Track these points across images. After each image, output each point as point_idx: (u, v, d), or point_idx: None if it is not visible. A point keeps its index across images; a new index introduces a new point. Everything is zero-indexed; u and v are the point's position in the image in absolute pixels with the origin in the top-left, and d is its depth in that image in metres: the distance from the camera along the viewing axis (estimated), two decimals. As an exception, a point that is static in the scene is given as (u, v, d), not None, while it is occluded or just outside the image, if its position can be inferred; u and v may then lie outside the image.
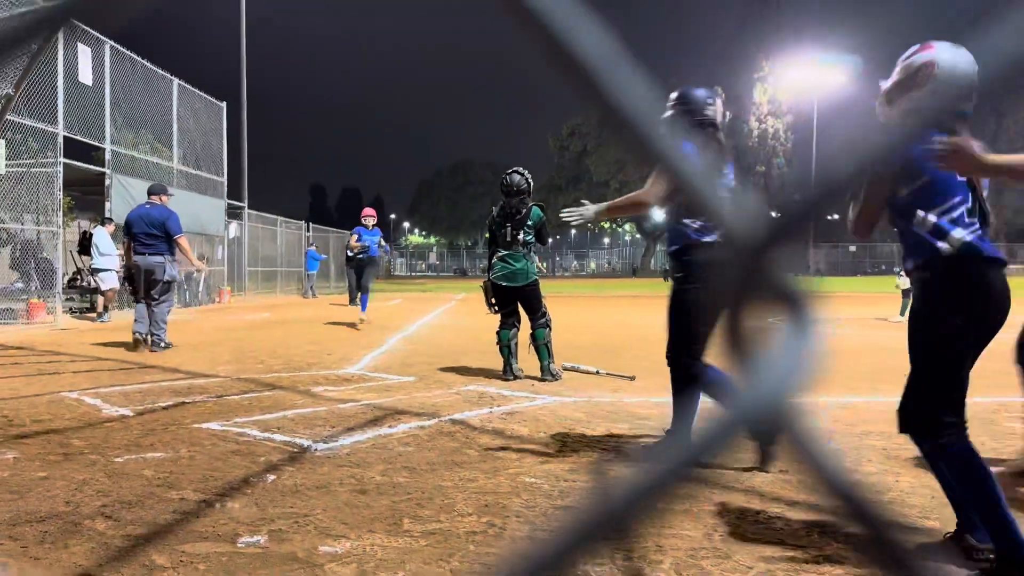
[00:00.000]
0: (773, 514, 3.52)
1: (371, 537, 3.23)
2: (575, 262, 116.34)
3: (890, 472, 4.16)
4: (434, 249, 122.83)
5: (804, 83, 55.88)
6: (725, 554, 3.04)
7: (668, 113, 4.68)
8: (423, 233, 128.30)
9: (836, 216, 3.83)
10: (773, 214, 0.34)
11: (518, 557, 0.38)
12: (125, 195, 17.40)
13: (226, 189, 25.84)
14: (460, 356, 9.65)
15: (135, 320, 10.51)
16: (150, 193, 11.00)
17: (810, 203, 0.34)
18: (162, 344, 10.40)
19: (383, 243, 15.35)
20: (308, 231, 37.82)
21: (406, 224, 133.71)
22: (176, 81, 21.59)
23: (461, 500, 3.75)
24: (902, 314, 16.08)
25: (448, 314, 19.56)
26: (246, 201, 29.70)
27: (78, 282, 17.50)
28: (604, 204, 4.78)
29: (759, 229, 0.32)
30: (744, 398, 0.31)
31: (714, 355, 4.50)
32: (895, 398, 3.04)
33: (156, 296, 10.47)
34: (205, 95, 23.87)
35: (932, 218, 2.87)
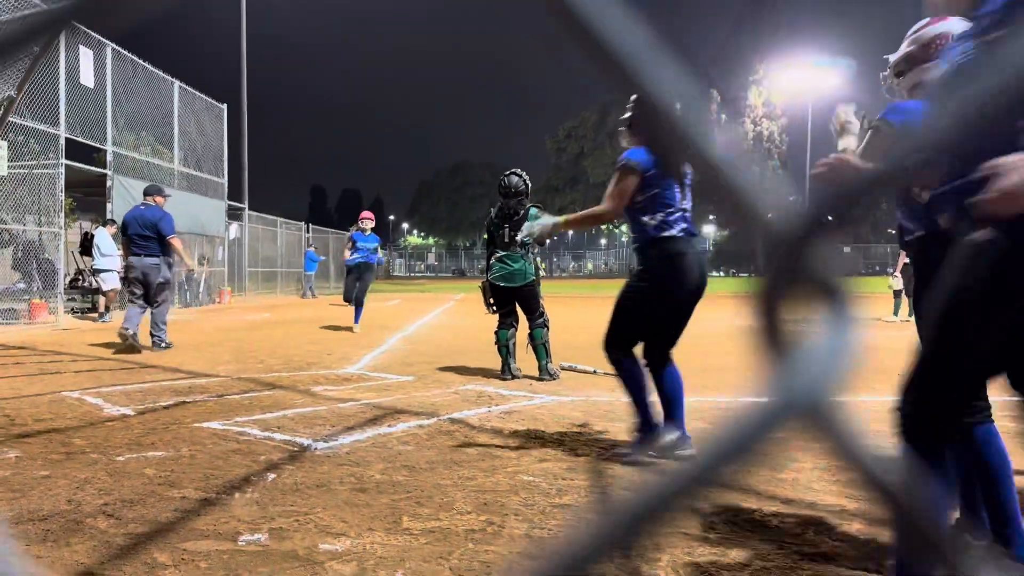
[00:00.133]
0: (768, 512, 3.52)
1: (371, 535, 3.22)
2: (572, 263, 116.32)
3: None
4: (433, 250, 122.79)
5: (799, 86, 56.01)
6: (722, 552, 3.04)
7: (626, 115, 4.70)
8: (422, 234, 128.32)
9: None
10: (810, 205, 0.33)
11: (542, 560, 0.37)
12: (126, 196, 17.38)
13: (227, 190, 25.85)
14: (459, 356, 9.65)
15: (124, 319, 10.36)
16: (145, 194, 10.95)
17: (850, 195, 0.33)
18: (162, 344, 10.35)
19: (378, 252, 14.08)
20: (308, 232, 37.83)
21: (405, 225, 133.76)
22: (177, 83, 21.59)
23: (460, 498, 3.75)
24: (895, 314, 16.10)
25: (447, 314, 19.56)
26: (246, 202, 29.72)
27: (80, 283, 17.49)
28: (561, 218, 4.78)
29: (797, 220, 0.31)
30: (781, 395, 0.30)
31: (648, 349, 4.56)
32: (888, 397, 3.04)
33: (154, 299, 10.41)
34: (206, 97, 23.88)
35: (926, 194, 2.82)
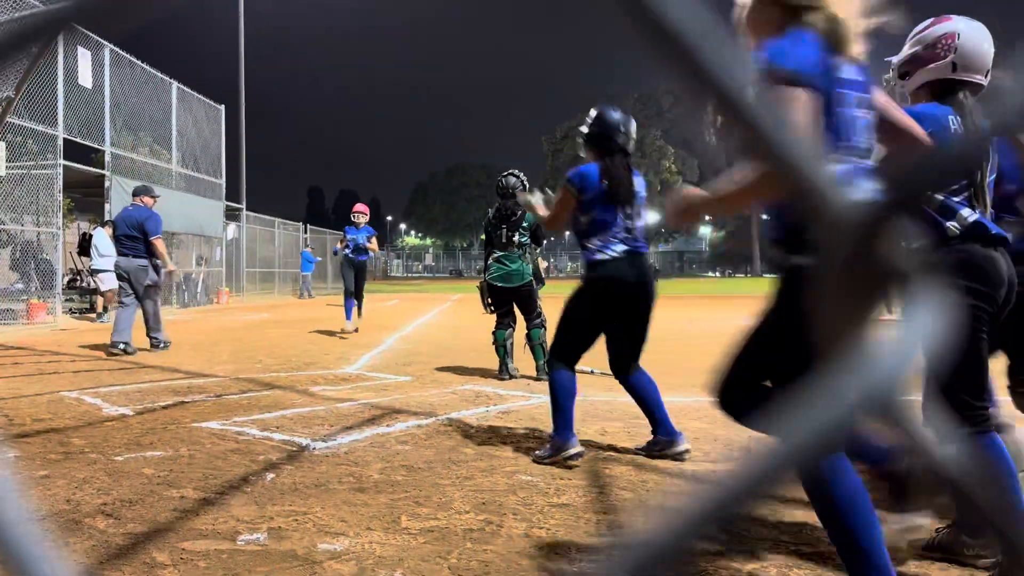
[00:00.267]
0: (766, 511, 3.52)
1: (369, 535, 3.22)
2: (570, 263, 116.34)
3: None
4: (430, 250, 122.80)
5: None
6: (719, 551, 3.04)
7: (584, 129, 4.72)
8: (419, 235, 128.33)
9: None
10: (879, 192, 0.32)
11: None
12: (125, 197, 17.33)
13: (224, 191, 25.83)
14: (456, 356, 9.65)
15: (114, 330, 10.07)
16: (134, 194, 10.83)
17: (920, 181, 0.32)
18: (160, 344, 10.29)
19: (370, 244, 12.81)
20: (305, 233, 37.84)
21: (402, 226, 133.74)
22: (175, 84, 21.57)
23: (458, 498, 3.75)
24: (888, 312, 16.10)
25: (444, 314, 19.56)
26: (244, 203, 29.71)
27: (78, 283, 17.49)
28: (539, 206, 4.87)
29: (868, 208, 0.30)
30: (851, 390, 0.29)
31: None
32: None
33: (142, 303, 10.28)
34: (204, 98, 23.87)
35: (939, 197, 2.79)
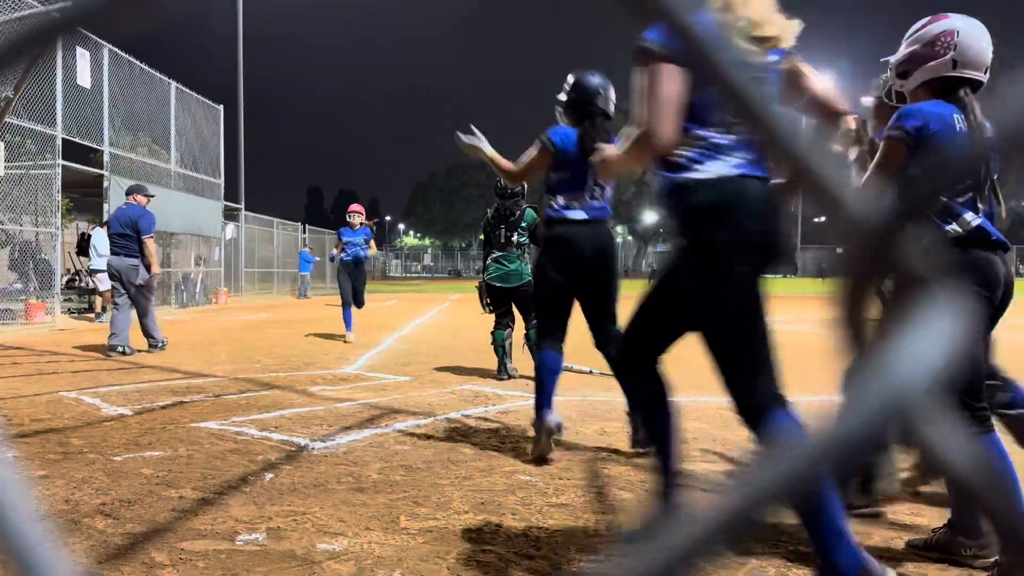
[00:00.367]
0: (769, 521, 3.52)
1: (368, 535, 3.22)
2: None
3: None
4: (429, 251, 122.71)
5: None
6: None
7: (562, 96, 4.73)
8: (418, 235, 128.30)
9: (824, 218, 3.82)
10: (901, 195, 0.31)
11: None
12: (123, 197, 17.35)
13: (223, 191, 25.81)
14: (455, 356, 9.65)
15: (111, 333, 10.00)
16: (127, 193, 10.73)
17: (937, 181, 0.31)
18: (158, 344, 10.24)
19: (369, 246, 12.10)
20: (304, 233, 37.83)
21: (401, 226, 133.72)
22: (174, 84, 21.56)
23: (457, 498, 3.75)
24: None
25: (443, 314, 19.56)
26: (243, 203, 29.70)
27: (76, 283, 17.48)
28: (489, 152, 4.79)
29: (887, 210, 0.29)
30: (872, 394, 0.28)
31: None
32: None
33: (135, 303, 10.18)
34: (202, 98, 23.85)
35: (942, 198, 2.82)
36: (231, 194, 27.73)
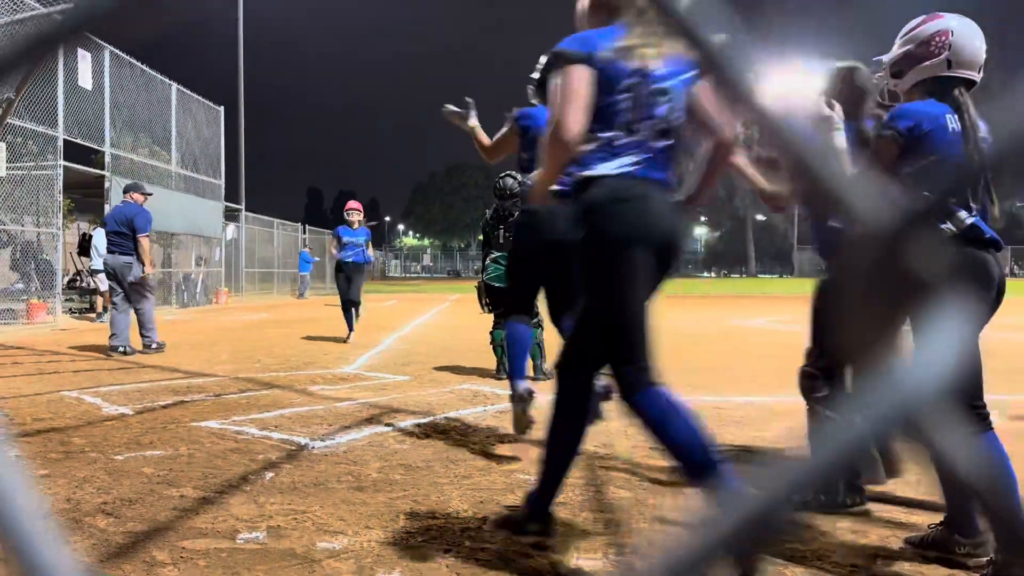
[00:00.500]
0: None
1: (368, 533, 3.22)
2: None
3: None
4: (428, 251, 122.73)
5: (787, 88, 56.15)
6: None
7: (535, 76, 4.75)
8: (417, 236, 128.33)
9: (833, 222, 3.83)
10: (910, 199, 0.30)
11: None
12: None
13: (224, 192, 25.82)
14: (454, 356, 9.65)
15: (111, 333, 9.95)
16: (124, 191, 10.62)
17: (947, 187, 0.31)
18: (153, 346, 10.11)
19: (370, 249, 11.66)
20: (304, 233, 37.84)
21: (401, 227, 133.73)
22: (175, 86, 21.57)
23: (456, 497, 3.75)
24: None
25: (442, 314, 19.56)
26: (243, 203, 29.70)
27: (78, 283, 17.47)
28: (473, 124, 4.84)
29: (895, 214, 0.28)
30: (883, 400, 0.27)
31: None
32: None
33: (131, 301, 10.06)
34: (203, 99, 23.85)
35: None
36: (232, 195, 27.78)
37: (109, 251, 10.08)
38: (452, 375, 7.95)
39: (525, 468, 4.27)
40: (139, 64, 19.26)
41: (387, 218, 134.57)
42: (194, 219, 21.94)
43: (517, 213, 4.64)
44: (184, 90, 22.29)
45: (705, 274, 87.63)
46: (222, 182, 25.59)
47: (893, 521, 3.38)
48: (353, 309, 11.60)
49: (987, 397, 2.87)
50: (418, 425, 5.39)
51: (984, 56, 2.96)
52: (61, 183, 15.26)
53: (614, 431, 5.17)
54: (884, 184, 3.07)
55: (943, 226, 2.82)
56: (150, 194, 10.83)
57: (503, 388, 7.06)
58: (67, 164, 15.71)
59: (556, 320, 4.64)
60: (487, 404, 6.25)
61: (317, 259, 35.00)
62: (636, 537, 3.20)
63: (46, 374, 8.10)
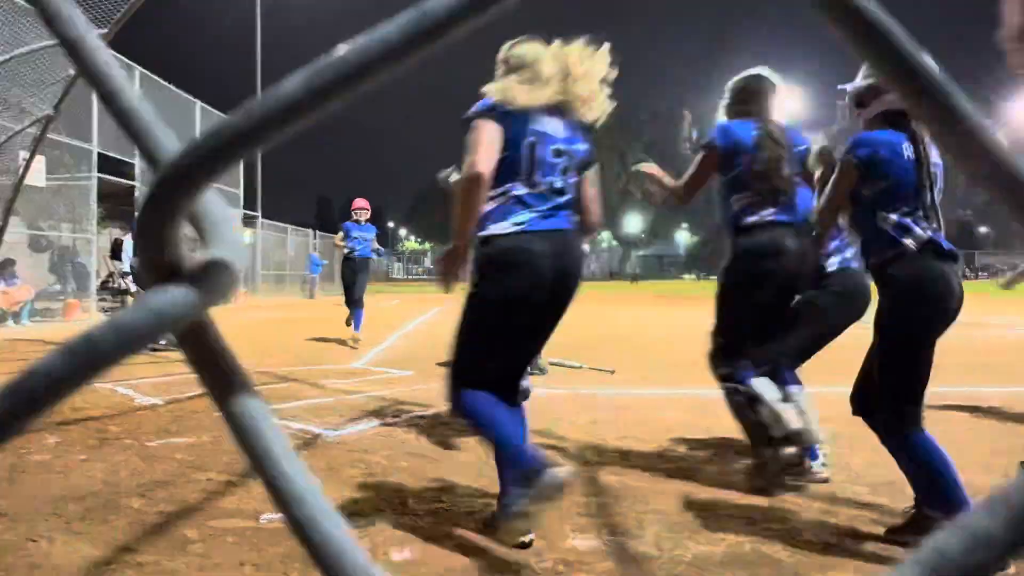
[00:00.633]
0: (743, 502, 3.56)
1: (379, 515, 3.24)
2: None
3: (843, 453, 4.17)
4: (430, 254, 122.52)
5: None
6: (698, 528, 3.07)
7: None
8: (419, 240, 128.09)
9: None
10: None
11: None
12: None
13: (242, 200, 25.81)
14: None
15: None
16: None
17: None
18: (162, 342, 9.73)
19: (377, 246, 10.96)
20: (315, 238, 37.79)
21: (403, 231, 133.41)
22: (199, 103, 21.58)
23: (460, 482, 3.77)
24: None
25: (444, 314, 19.53)
26: (260, 211, 29.68)
27: (110, 284, 17.44)
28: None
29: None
30: None
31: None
32: (845, 388, 3.08)
33: None
34: (224, 115, 23.82)
35: (894, 217, 2.89)
36: (249, 203, 27.74)
37: (135, 254, 10.08)
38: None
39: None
40: (166, 84, 19.26)
41: (390, 223, 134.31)
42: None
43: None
44: (207, 107, 22.29)
45: (686, 276, 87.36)
46: (240, 191, 25.58)
47: (859, 501, 3.40)
48: (361, 309, 10.85)
49: (950, 389, 2.90)
50: (423, 416, 5.41)
51: None
52: (95, 193, 15.26)
53: (606, 421, 5.20)
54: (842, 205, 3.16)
55: (905, 240, 2.85)
56: None
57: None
58: (101, 175, 15.71)
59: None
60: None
61: (326, 262, 34.95)
62: (626, 519, 3.22)
63: (81, 367, 8.08)
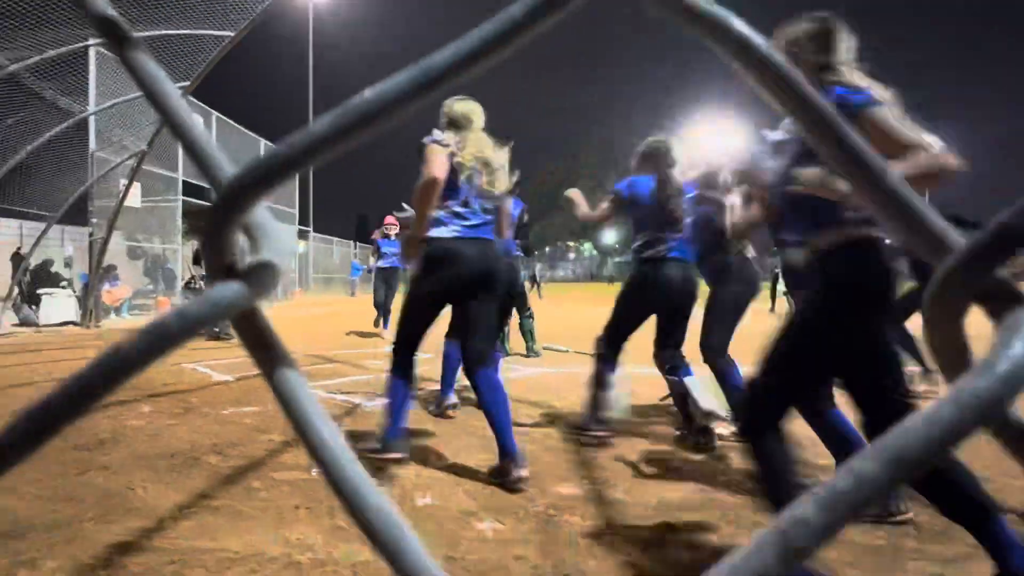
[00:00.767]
0: (696, 459, 3.55)
1: (407, 468, 3.24)
2: (548, 272, 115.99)
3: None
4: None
5: (714, 143, 55.96)
6: (660, 480, 3.07)
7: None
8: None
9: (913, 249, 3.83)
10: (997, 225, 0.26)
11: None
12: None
13: (297, 217, 25.81)
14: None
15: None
16: None
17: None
18: (220, 334, 9.44)
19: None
20: (355, 249, 37.80)
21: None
22: (262, 141, 21.57)
23: (471, 443, 3.78)
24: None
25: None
26: (311, 227, 29.71)
27: (192, 285, 17.45)
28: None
29: (987, 237, 0.24)
30: (962, 395, 0.22)
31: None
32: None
33: None
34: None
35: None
36: (302, 220, 27.76)
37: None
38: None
39: (520, 422, 4.28)
40: (237, 125, 19.28)
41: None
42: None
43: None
44: (269, 143, 22.31)
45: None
46: (296, 211, 25.57)
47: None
48: (387, 315, 10.31)
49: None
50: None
51: None
52: (180, 212, 15.26)
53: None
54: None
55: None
56: None
57: (504, 363, 7.07)
58: (185, 198, 15.73)
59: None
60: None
61: (364, 267, 35.02)
62: (603, 472, 3.22)
63: (169, 351, 8.09)
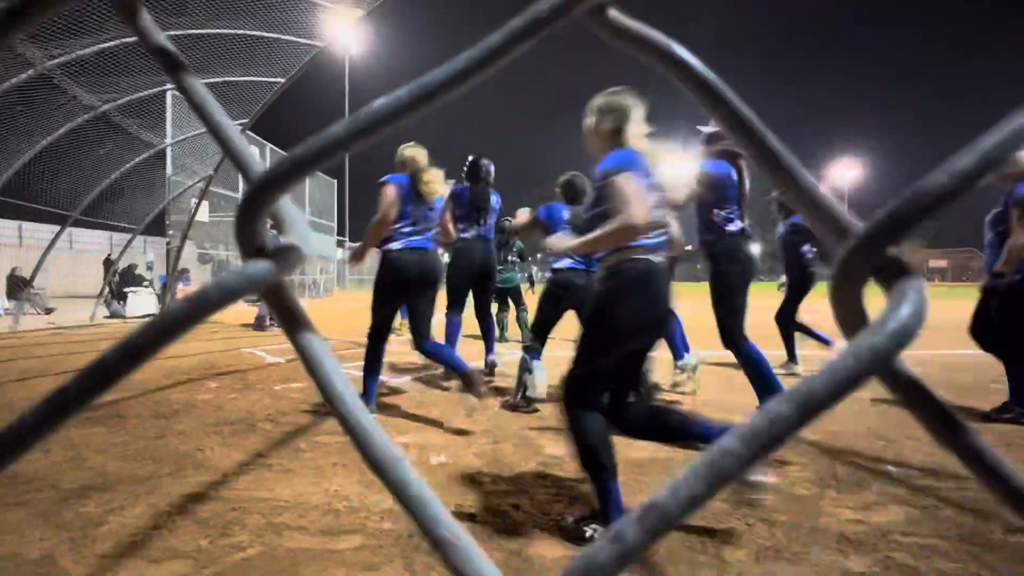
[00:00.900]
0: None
1: (425, 433, 3.24)
2: (540, 273, 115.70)
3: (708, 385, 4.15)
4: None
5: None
6: (629, 441, 3.06)
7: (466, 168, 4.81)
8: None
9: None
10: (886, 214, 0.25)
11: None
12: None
13: (335, 229, 25.78)
14: (467, 327, 9.62)
15: (260, 315, 9.64)
16: (270, 227, 10.61)
17: (926, 207, 0.24)
18: (265, 325, 9.54)
19: None
20: (385, 255, 37.84)
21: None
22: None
23: (479, 417, 3.77)
24: None
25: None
26: (348, 236, 29.67)
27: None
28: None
29: (879, 224, 0.23)
30: (863, 353, 0.22)
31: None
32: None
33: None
34: (323, 175, 23.83)
35: (723, 213, 3.10)
36: (339, 230, 27.75)
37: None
38: (471, 340, 7.94)
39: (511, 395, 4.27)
40: (286, 154, 19.26)
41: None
42: (319, 246, 21.89)
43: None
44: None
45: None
46: (334, 224, 25.53)
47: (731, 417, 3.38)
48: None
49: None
50: (449, 372, 5.37)
51: None
52: (240, 225, 15.21)
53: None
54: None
55: (729, 228, 3.03)
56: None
57: (503, 349, 7.05)
58: (244, 214, 15.67)
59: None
60: (501, 360, 6.25)
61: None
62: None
63: (232, 338, 8.08)
